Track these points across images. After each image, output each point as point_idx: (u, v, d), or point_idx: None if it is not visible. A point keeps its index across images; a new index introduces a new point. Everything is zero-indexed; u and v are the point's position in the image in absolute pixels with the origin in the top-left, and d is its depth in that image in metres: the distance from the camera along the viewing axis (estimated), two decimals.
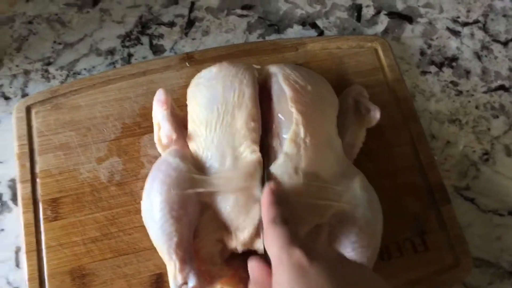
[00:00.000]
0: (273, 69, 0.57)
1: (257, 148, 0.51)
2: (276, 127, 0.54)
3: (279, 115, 0.54)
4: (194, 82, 0.58)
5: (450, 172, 0.64)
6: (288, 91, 0.53)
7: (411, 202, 0.60)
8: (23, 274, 0.55)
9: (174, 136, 0.55)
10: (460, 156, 0.65)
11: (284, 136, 0.52)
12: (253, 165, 0.50)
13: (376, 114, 0.58)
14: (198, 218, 0.50)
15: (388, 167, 0.61)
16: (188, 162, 0.52)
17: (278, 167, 0.51)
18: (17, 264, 0.57)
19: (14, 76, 0.67)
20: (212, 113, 0.53)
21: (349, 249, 0.50)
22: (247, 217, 0.49)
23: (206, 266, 0.50)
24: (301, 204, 0.50)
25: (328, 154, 0.53)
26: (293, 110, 0.52)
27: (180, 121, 0.57)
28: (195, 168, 0.52)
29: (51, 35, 0.70)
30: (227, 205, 0.50)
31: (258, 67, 0.59)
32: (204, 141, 0.53)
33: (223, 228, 0.51)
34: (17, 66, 0.67)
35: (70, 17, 0.71)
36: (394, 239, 0.58)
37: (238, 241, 0.50)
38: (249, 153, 0.51)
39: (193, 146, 0.54)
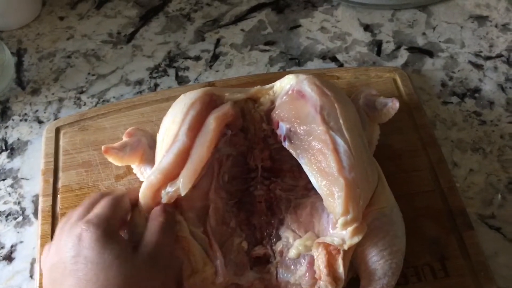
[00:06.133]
0: (291, 79, 0.57)
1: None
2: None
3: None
4: None
5: (474, 200, 0.61)
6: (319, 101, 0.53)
7: (430, 226, 0.57)
8: (35, 284, 0.55)
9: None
10: (485, 184, 0.62)
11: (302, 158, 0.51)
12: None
13: (395, 104, 0.58)
14: None
15: (406, 190, 0.59)
16: None
17: None
18: (31, 275, 0.58)
19: (49, 102, 0.72)
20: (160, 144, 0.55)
21: (377, 257, 0.49)
22: None
23: (234, 279, 0.50)
24: None
25: (366, 161, 0.52)
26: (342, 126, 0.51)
27: None
28: None
29: (87, 68, 0.75)
30: None
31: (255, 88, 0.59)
32: None
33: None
34: (53, 94, 0.72)
35: (105, 52, 0.77)
36: (411, 264, 0.55)
37: None
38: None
39: None
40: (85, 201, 0.50)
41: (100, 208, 0.47)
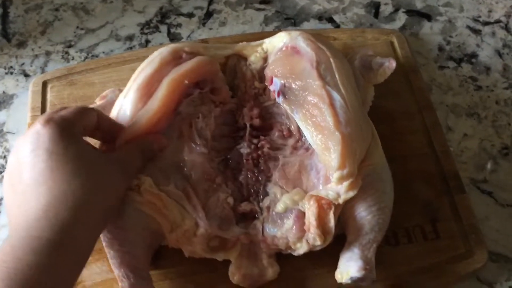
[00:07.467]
0: (283, 36, 0.56)
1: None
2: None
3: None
4: None
5: (467, 164, 0.61)
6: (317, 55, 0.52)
7: (422, 189, 0.57)
8: None
9: None
10: (478, 149, 0.62)
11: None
12: None
13: (391, 64, 0.57)
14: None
15: (399, 152, 0.58)
16: None
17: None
18: None
19: (36, 56, 0.69)
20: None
21: (365, 213, 0.48)
22: None
23: (218, 232, 0.49)
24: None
25: (361, 117, 0.52)
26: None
27: None
28: None
29: (75, 21, 0.72)
30: None
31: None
32: None
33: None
34: (39, 47, 0.70)
35: (94, 6, 0.74)
36: (402, 225, 0.54)
37: None
38: None
39: None
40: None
41: (64, 111, 0.44)
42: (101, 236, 0.46)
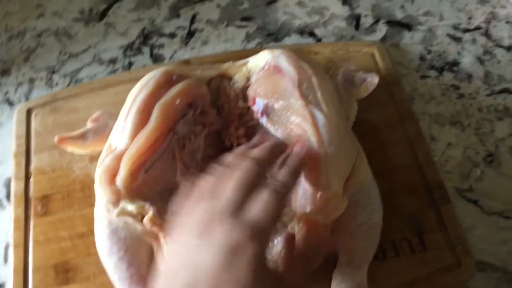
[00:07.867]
0: (266, 55, 0.56)
1: None
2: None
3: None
4: None
5: (452, 174, 0.61)
6: (297, 74, 0.52)
7: (408, 201, 0.57)
8: (10, 268, 0.54)
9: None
10: (462, 157, 0.62)
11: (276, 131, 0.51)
12: None
13: (374, 79, 0.58)
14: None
15: (384, 165, 0.59)
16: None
17: None
18: (5, 260, 0.57)
19: (20, 83, 0.69)
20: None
21: (355, 232, 0.49)
22: None
23: None
24: None
25: (345, 134, 0.52)
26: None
27: None
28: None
29: (58, 47, 0.73)
30: None
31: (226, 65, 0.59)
32: None
33: None
34: (23, 75, 0.70)
35: (77, 30, 0.74)
36: (389, 239, 0.55)
37: None
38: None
39: None
40: (239, 180, 0.39)
41: (263, 216, 0.38)
42: (105, 266, 0.49)
